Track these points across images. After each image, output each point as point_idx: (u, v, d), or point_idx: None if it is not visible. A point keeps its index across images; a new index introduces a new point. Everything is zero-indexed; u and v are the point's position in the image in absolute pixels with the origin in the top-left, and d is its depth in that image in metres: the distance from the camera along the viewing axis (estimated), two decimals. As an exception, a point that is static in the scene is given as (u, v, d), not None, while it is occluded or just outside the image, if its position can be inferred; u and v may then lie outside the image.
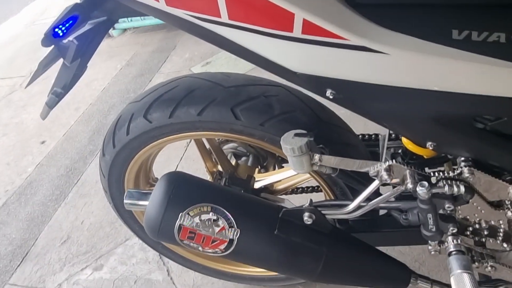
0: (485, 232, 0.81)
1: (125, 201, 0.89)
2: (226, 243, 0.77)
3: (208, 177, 1.17)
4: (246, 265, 1.21)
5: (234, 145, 1.18)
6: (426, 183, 0.72)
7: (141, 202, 0.87)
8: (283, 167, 1.21)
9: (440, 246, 0.81)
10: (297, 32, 0.61)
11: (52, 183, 2.01)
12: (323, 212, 0.81)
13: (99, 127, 2.35)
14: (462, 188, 0.72)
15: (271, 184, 1.15)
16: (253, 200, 0.85)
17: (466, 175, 0.73)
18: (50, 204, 1.89)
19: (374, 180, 0.74)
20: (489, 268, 0.81)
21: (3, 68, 3.40)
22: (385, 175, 0.72)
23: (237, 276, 1.26)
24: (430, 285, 0.83)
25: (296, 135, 0.73)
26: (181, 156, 1.95)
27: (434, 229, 0.76)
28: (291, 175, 1.11)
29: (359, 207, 0.79)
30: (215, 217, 0.76)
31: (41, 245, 1.69)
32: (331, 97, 0.69)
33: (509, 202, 0.77)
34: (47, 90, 0.85)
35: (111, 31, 3.41)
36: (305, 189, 1.25)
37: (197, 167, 1.77)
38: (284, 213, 0.79)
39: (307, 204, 0.81)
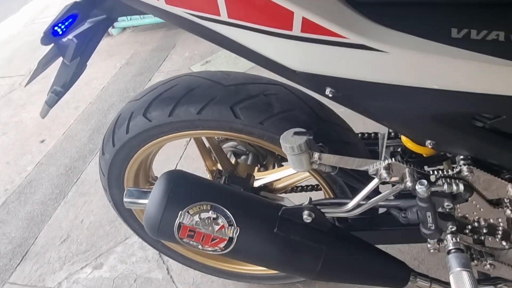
0: (484, 230, 0.81)
1: (124, 199, 0.89)
2: (225, 241, 0.77)
3: (207, 176, 1.17)
4: (245, 263, 1.21)
5: (234, 144, 1.19)
6: (425, 182, 0.72)
7: (140, 201, 0.88)
8: (282, 165, 1.21)
9: (439, 244, 0.81)
10: (296, 30, 0.61)
11: (52, 182, 2.01)
12: (322, 210, 0.81)
13: (98, 126, 2.35)
14: (461, 187, 0.72)
15: (271, 183, 1.15)
16: (252, 199, 0.85)
17: (465, 173, 0.73)
18: (49, 203, 1.89)
19: (373, 178, 0.74)
20: (488, 266, 0.81)
21: (2, 67, 3.40)
22: (384, 174, 0.72)
23: (237, 275, 1.27)
24: (429, 283, 0.84)
25: (296, 133, 0.73)
26: (180, 155, 1.95)
27: (433, 227, 0.76)
28: (290, 174, 1.11)
29: (358, 205, 0.79)
30: (214, 216, 0.76)
31: (40, 244, 1.69)
32: (330, 95, 0.69)
33: (508, 201, 0.77)
34: (46, 89, 0.85)
35: (110, 30, 3.41)
36: (305, 187, 1.25)
37: (197, 166, 1.77)
38: (283, 212, 0.79)
39: (307, 203, 0.81)
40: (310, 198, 0.82)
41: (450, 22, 0.58)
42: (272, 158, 1.20)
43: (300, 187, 1.25)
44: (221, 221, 0.76)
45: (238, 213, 0.77)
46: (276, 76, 0.74)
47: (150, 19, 3.23)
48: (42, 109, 0.87)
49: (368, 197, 0.77)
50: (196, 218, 0.76)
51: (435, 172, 0.75)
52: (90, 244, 1.63)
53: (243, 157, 1.19)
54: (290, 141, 0.71)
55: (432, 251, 0.82)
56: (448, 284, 0.76)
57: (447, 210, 0.75)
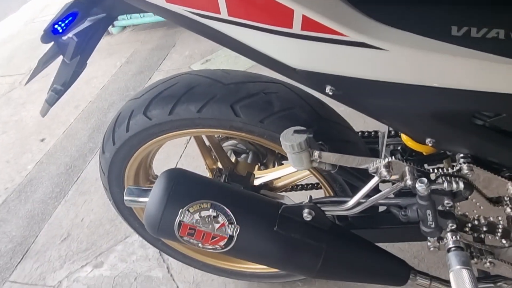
0: (484, 229, 0.81)
1: (125, 198, 0.89)
2: (226, 240, 0.77)
3: (208, 174, 1.17)
4: (246, 261, 1.21)
5: (234, 142, 1.19)
6: (425, 180, 0.72)
7: (141, 199, 0.88)
8: (282, 164, 1.21)
9: (439, 242, 0.81)
10: (296, 28, 0.61)
11: (52, 181, 2.01)
12: (322, 208, 0.81)
13: (98, 125, 2.35)
14: (461, 185, 0.72)
15: (271, 181, 1.15)
16: (252, 197, 0.85)
17: (465, 171, 0.73)
18: (50, 202, 1.89)
19: (373, 176, 0.74)
20: (488, 264, 0.82)
21: (2, 66, 3.40)
22: (384, 172, 0.72)
23: (237, 273, 1.27)
24: (429, 281, 0.84)
25: (296, 132, 0.73)
26: (180, 153, 1.95)
27: (433, 226, 0.76)
28: (290, 172, 1.11)
29: (358, 203, 0.79)
30: (215, 214, 0.76)
31: (41, 243, 1.69)
32: (330, 93, 0.69)
33: (508, 199, 0.78)
34: (46, 88, 0.85)
35: (110, 29, 3.40)
36: (305, 186, 1.25)
37: (197, 165, 1.77)
38: (283, 210, 0.79)
39: (307, 201, 0.81)
40: (310, 197, 0.82)
41: (450, 20, 0.58)
42: (272, 157, 1.20)
43: (300, 186, 1.25)
44: (221, 219, 0.76)
45: (238, 211, 0.77)
46: (276, 74, 0.74)
47: (150, 17, 3.22)
48: (42, 107, 0.87)
49: (368, 195, 0.78)
50: (196, 216, 0.76)
51: (435, 170, 0.75)
52: (90, 243, 1.63)
53: (243, 155, 1.19)
54: (290, 139, 0.71)
55: (432, 249, 0.82)
56: (448, 282, 0.76)
57: (447, 208, 0.76)
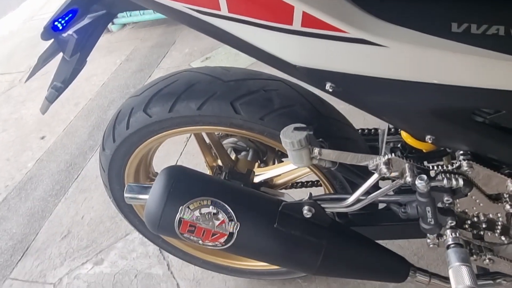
0: (484, 225, 0.81)
1: (125, 195, 0.89)
2: (226, 237, 0.77)
3: (208, 172, 1.17)
4: (246, 258, 1.21)
5: (234, 140, 1.19)
6: (425, 177, 0.72)
7: (141, 196, 0.88)
8: (282, 161, 1.21)
9: (438, 239, 0.81)
10: (296, 25, 0.61)
11: (52, 178, 2.02)
12: (322, 205, 0.81)
13: (98, 122, 2.35)
14: (461, 181, 0.72)
15: (271, 179, 1.15)
16: (253, 194, 0.85)
17: (465, 168, 0.73)
18: (50, 199, 1.89)
19: (373, 173, 0.74)
20: (487, 261, 0.82)
21: (2, 64, 3.40)
22: (384, 169, 0.72)
23: (237, 270, 1.27)
24: (428, 278, 0.84)
25: (296, 129, 0.73)
26: (181, 151, 1.95)
27: (432, 222, 0.76)
28: (290, 169, 1.11)
29: (358, 200, 0.79)
30: (215, 211, 0.76)
31: (41, 240, 1.70)
32: (330, 90, 0.69)
33: (508, 196, 0.78)
34: (46, 86, 0.85)
35: (110, 26, 3.40)
36: (305, 183, 1.25)
37: (197, 162, 1.77)
38: (283, 207, 0.80)
39: (307, 198, 0.81)
40: (310, 194, 0.82)
41: (450, 16, 0.58)
42: (272, 154, 1.20)
43: (300, 183, 1.25)
44: (222, 216, 0.76)
45: (238, 208, 0.77)
46: (277, 71, 0.74)
47: (150, 15, 3.22)
48: (42, 105, 0.87)
49: (368, 192, 0.78)
50: (197, 213, 0.76)
51: (435, 167, 0.75)
52: (90, 240, 1.64)
53: (243, 153, 1.19)
54: (290, 137, 0.71)
55: (431, 246, 0.82)
56: (447, 279, 0.76)
57: (447, 205, 0.76)
